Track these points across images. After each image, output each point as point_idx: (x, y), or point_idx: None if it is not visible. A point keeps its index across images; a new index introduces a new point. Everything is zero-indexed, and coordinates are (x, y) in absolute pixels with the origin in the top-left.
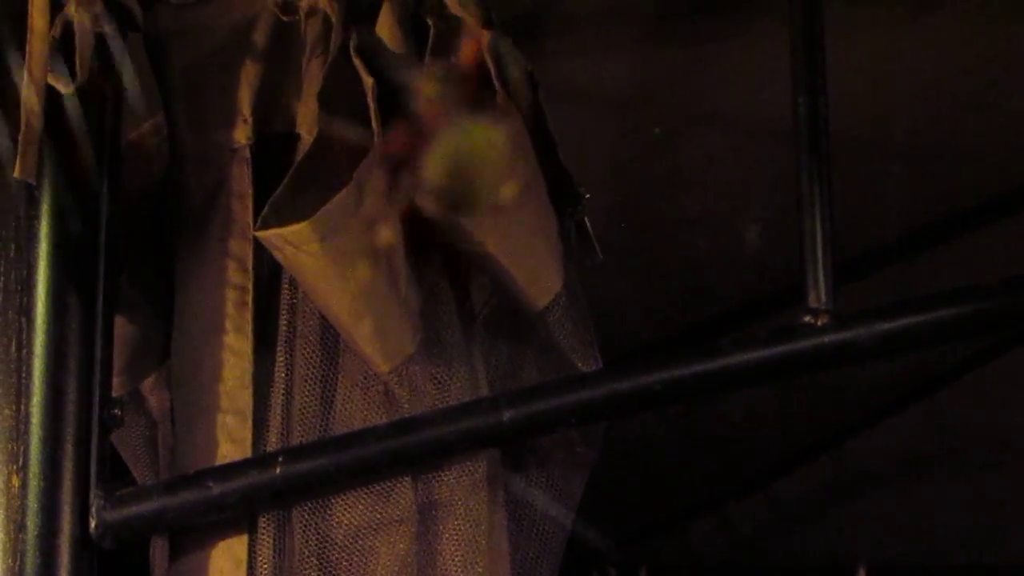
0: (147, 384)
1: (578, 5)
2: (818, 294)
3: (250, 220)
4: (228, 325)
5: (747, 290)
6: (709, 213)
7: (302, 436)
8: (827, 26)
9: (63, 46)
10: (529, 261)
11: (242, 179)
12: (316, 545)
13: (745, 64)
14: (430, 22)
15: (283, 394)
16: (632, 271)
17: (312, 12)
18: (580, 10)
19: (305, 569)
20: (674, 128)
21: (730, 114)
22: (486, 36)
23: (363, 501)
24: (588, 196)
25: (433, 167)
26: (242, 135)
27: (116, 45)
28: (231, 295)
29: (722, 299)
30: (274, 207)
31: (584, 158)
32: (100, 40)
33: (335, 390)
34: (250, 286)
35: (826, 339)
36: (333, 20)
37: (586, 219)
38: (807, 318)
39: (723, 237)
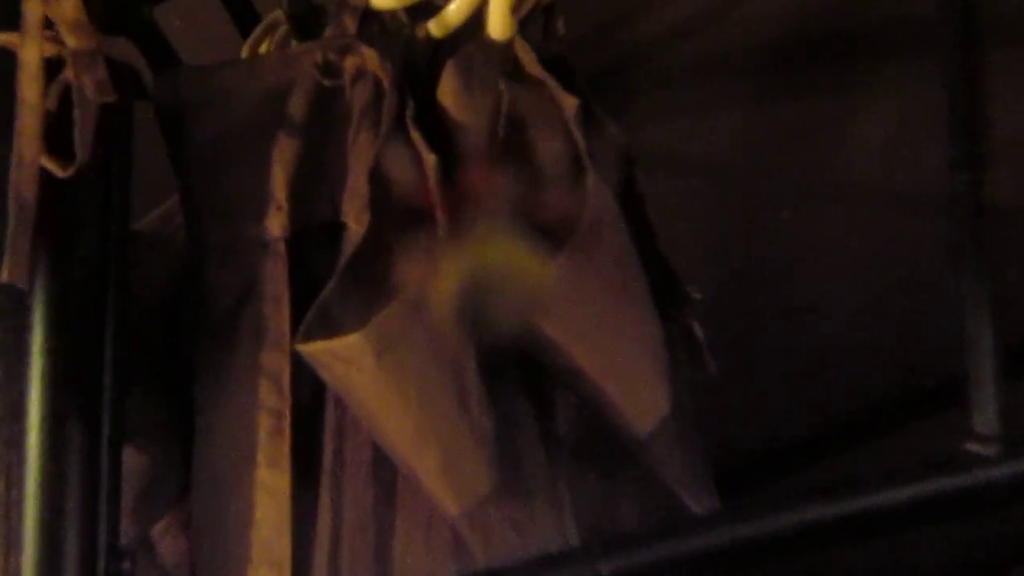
0: (159, 528)
1: (675, 56)
2: (985, 416)
3: (287, 329)
4: (261, 457)
5: (876, 394)
6: (831, 301)
7: None
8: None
9: (60, 119)
10: (627, 376)
11: (277, 279)
12: None
13: (872, 121)
14: (503, 86)
15: (329, 542)
16: (737, 372)
17: (360, 75)
18: (677, 62)
19: None
20: (786, 198)
21: (854, 181)
22: (571, 103)
23: None
24: (699, 297)
25: (509, 262)
26: (276, 225)
27: (123, 117)
28: (264, 421)
29: (847, 403)
30: (319, 314)
31: (681, 235)
32: (104, 111)
33: (392, 536)
34: (287, 410)
35: (997, 472)
36: (385, 85)
37: (696, 324)
38: (972, 446)
39: (847, 330)
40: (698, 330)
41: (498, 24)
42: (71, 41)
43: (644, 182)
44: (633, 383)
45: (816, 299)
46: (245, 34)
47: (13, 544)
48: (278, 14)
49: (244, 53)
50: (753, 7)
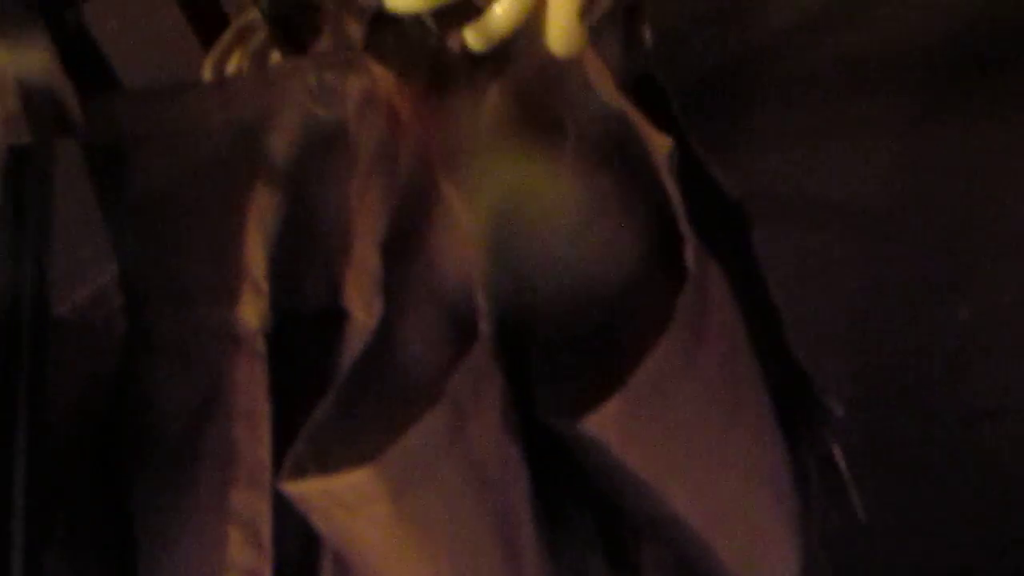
0: None
1: (801, 67)
2: None
3: (267, 459)
4: None
5: None
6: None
7: None
8: None
9: None
10: (741, 525)
11: (252, 387)
12: None
13: None
14: (568, 120)
15: None
16: (893, 509)
17: (368, 103)
18: (804, 74)
19: None
20: (949, 257)
21: None
22: (662, 143)
23: None
24: (841, 412)
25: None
26: (252, 313)
27: (40, 163)
28: None
29: None
30: (312, 439)
31: (812, 314)
32: (14, 155)
33: None
34: (267, 571)
35: None
36: (404, 117)
37: (837, 450)
38: None
39: None
40: (840, 458)
41: (561, 34)
42: None
43: (762, 241)
44: (750, 535)
45: (996, 379)
46: (207, 43)
47: None
48: (253, 16)
49: (207, 71)
50: (901, 4)
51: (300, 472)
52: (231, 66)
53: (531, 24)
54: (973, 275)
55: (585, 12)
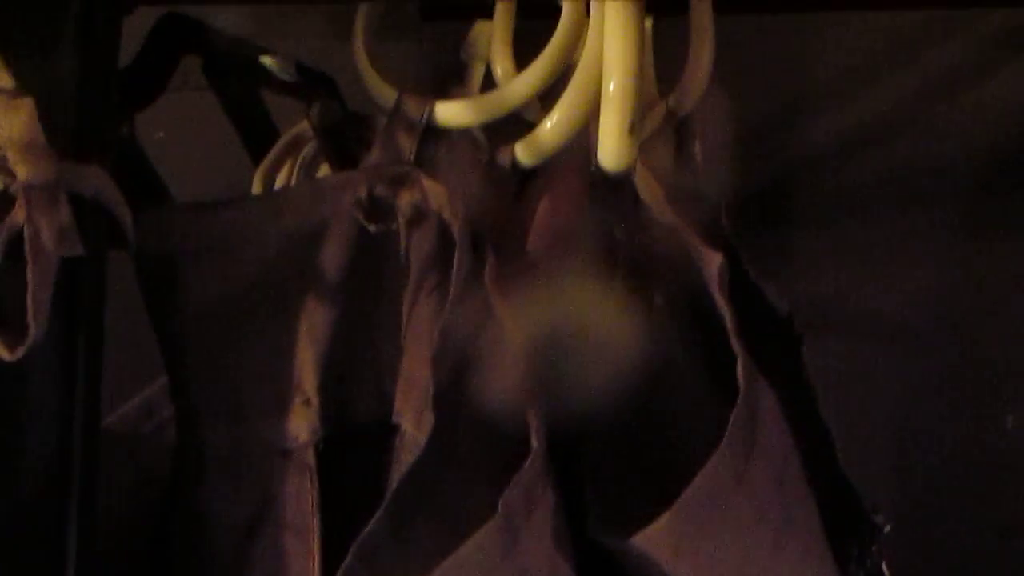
0: None
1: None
2: None
3: (316, 567)
4: None
5: None
6: None
7: None
8: None
9: (6, 278)
10: None
11: (302, 501)
12: None
13: None
14: (619, 236)
15: None
16: None
17: (419, 217)
18: (865, 181)
19: None
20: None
21: None
22: (714, 259)
23: None
24: (888, 528)
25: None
26: (302, 427)
27: (93, 275)
28: None
29: None
30: (362, 556)
31: (861, 432)
32: (67, 267)
33: None
34: None
35: None
36: (455, 231)
37: (886, 568)
38: None
39: None
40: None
41: (611, 149)
42: (22, 171)
43: (813, 359)
44: None
45: None
46: (257, 155)
47: None
48: (303, 127)
49: (256, 183)
50: (960, 112)
51: None
52: (281, 178)
53: (581, 138)
54: (1018, 386)
55: (635, 127)
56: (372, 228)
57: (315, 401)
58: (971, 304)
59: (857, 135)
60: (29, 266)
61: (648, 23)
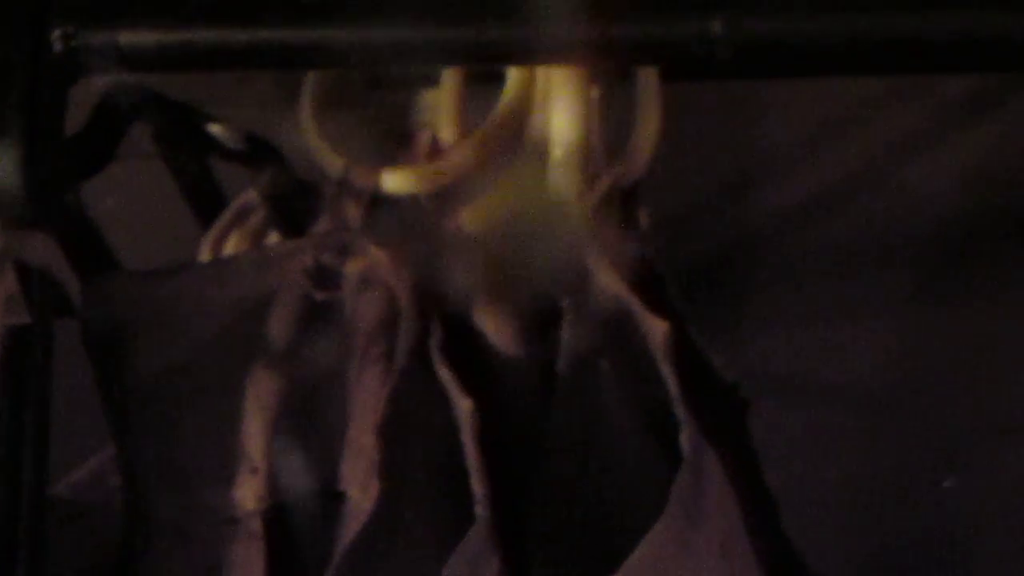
0: None
1: (802, 246)
2: None
3: None
4: None
5: None
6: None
7: None
8: None
9: None
10: None
11: (250, 568)
12: None
13: None
14: (564, 303)
15: None
16: None
17: (366, 286)
18: (805, 254)
19: None
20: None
21: None
22: (660, 328)
23: None
24: None
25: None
26: (250, 495)
27: (40, 344)
28: None
29: None
30: None
31: (808, 496)
32: (16, 337)
33: None
34: None
35: None
36: (402, 300)
37: None
38: None
39: None
40: None
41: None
42: None
43: (758, 424)
44: None
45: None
46: (206, 223)
47: None
48: (251, 195)
49: (205, 250)
50: (910, 177)
51: None
52: (229, 246)
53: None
54: (966, 452)
55: (582, 196)
56: (319, 296)
57: (263, 469)
58: (915, 371)
59: (807, 202)
60: None
61: (595, 92)
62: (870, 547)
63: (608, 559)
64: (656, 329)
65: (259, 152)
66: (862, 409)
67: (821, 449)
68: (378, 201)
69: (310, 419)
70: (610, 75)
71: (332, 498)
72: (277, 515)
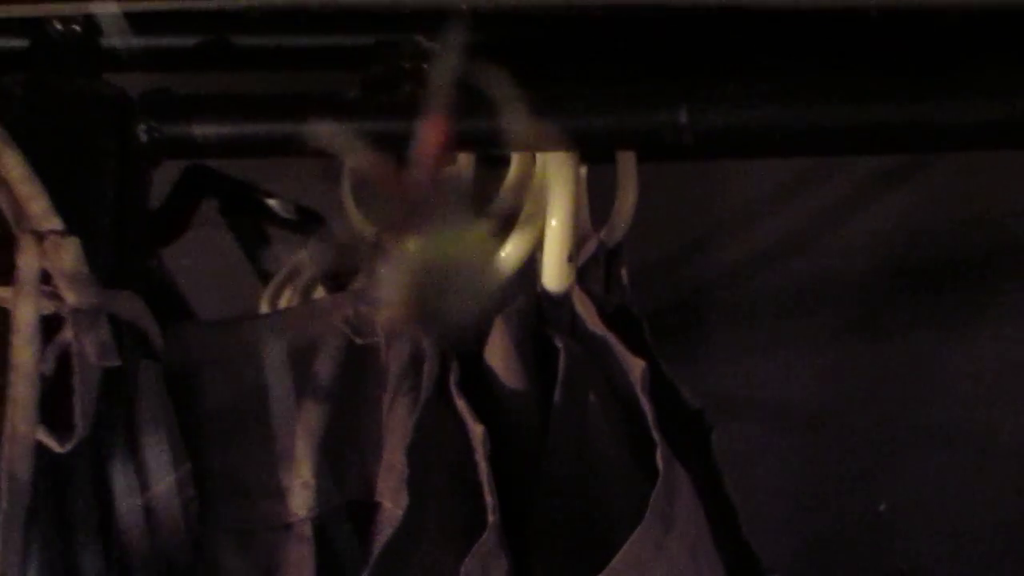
0: None
1: (751, 292)
2: None
3: None
4: None
5: None
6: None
7: None
8: None
9: (57, 385)
10: None
11: (302, 566)
12: None
13: (987, 363)
14: (559, 344)
15: None
16: None
17: (396, 333)
18: (754, 298)
19: None
20: (875, 446)
21: (952, 426)
22: (637, 365)
23: None
24: None
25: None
26: (301, 505)
27: (128, 381)
28: None
29: None
30: None
31: (759, 496)
32: (108, 376)
33: None
34: None
35: None
36: (425, 344)
37: None
38: None
39: None
40: None
41: (554, 274)
42: (70, 297)
43: (720, 443)
44: None
45: (915, 559)
46: (264, 280)
47: None
48: (302, 257)
49: (263, 303)
50: (839, 235)
51: None
52: (284, 299)
53: (529, 265)
54: (891, 466)
55: (573, 256)
56: (359, 341)
57: (311, 483)
58: (853, 399)
59: (752, 258)
60: (76, 375)
61: (583, 171)
62: (811, 548)
63: (595, 558)
64: (635, 366)
65: (308, 221)
66: (801, 426)
67: (771, 464)
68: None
69: (350, 442)
70: (595, 157)
71: (369, 507)
72: (324, 522)
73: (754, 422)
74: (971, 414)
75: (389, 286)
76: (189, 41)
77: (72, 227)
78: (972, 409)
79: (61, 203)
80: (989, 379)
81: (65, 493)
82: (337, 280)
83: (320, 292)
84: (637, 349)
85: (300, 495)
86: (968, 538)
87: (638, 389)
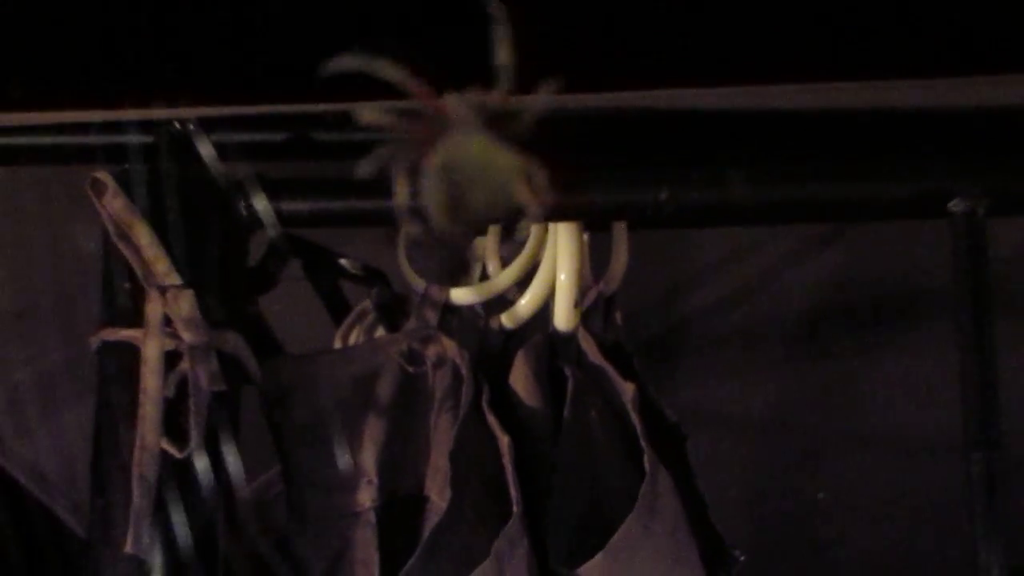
0: None
1: (716, 327)
2: None
3: None
4: None
5: None
6: (856, 537)
7: None
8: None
9: (176, 405)
10: None
11: (367, 545)
12: None
13: (902, 380)
14: (568, 372)
15: None
16: None
17: (440, 363)
18: (718, 332)
19: None
20: (817, 449)
21: (876, 431)
22: (629, 389)
23: None
24: (743, 558)
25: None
26: (367, 497)
27: (232, 403)
28: None
29: None
30: None
31: (723, 491)
32: (216, 398)
33: None
34: None
35: None
36: (463, 372)
37: None
38: None
39: (873, 566)
40: None
41: (563, 317)
42: (187, 336)
43: (693, 449)
44: None
45: (846, 535)
46: (338, 322)
47: None
48: (366, 304)
49: (337, 340)
50: (786, 282)
51: None
52: (352, 337)
53: (544, 310)
54: (826, 468)
55: (578, 303)
56: (411, 370)
57: (375, 481)
58: (800, 409)
59: (717, 300)
60: (191, 398)
61: (585, 237)
62: (766, 531)
63: (599, 539)
64: (627, 389)
65: (372, 276)
66: (754, 435)
67: (732, 464)
68: (448, 308)
69: (405, 449)
70: (595, 226)
71: (420, 500)
72: (385, 511)
73: (719, 432)
74: (890, 421)
75: (429, 191)
76: (278, 136)
77: (188, 282)
78: (890, 418)
79: (179, 263)
80: (902, 394)
81: (187, 488)
82: (394, 322)
83: (381, 332)
84: (628, 375)
85: (366, 490)
86: (889, 518)
87: (630, 407)
